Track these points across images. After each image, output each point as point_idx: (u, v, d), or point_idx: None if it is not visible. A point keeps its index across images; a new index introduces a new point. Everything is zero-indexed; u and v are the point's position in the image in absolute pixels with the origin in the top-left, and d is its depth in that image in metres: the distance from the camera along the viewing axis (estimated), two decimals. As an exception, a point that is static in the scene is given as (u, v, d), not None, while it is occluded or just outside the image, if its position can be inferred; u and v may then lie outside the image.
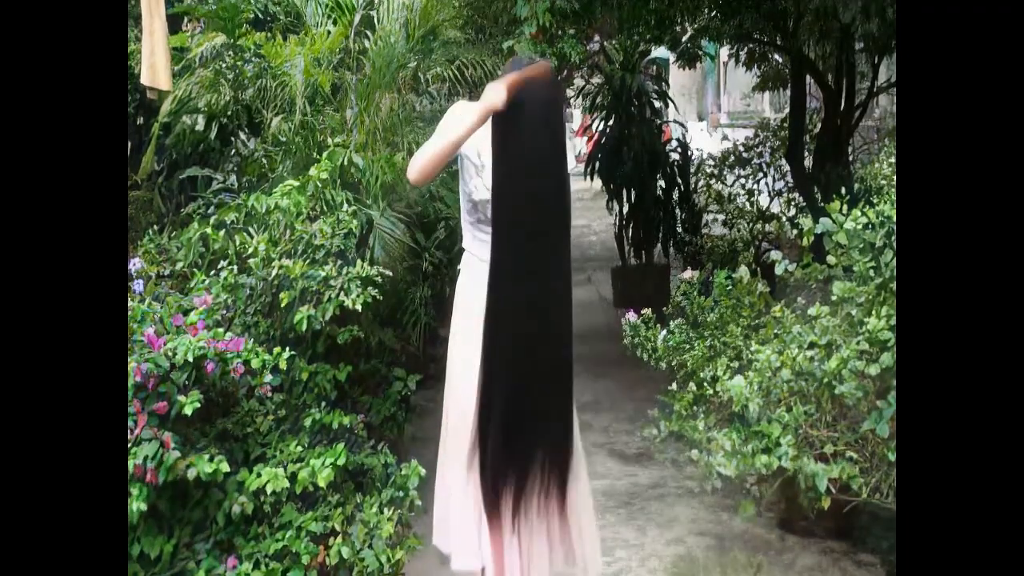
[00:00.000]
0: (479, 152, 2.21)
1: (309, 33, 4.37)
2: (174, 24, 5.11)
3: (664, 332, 3.40)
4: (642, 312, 3.41)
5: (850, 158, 6.37)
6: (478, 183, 2.24)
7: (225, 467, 2.15)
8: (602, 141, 6.70)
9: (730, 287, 3.37)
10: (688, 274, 3.66)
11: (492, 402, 2.14)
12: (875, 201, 2.51)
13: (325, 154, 3.42)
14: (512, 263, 2.12)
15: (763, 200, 7.21)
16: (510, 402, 2.14)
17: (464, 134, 2.05)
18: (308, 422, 2.56)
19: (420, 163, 2.06)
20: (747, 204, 7.24)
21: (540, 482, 2.18)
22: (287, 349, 2.48)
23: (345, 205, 3.26)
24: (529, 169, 2.09)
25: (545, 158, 2.11)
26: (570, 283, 2.25)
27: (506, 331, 2.14)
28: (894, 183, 2.58)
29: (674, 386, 3.18)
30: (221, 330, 2.37)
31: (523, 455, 2.16)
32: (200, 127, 4.58)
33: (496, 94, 2.00)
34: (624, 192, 6.67)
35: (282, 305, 2.69)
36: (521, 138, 2.07)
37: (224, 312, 2.77)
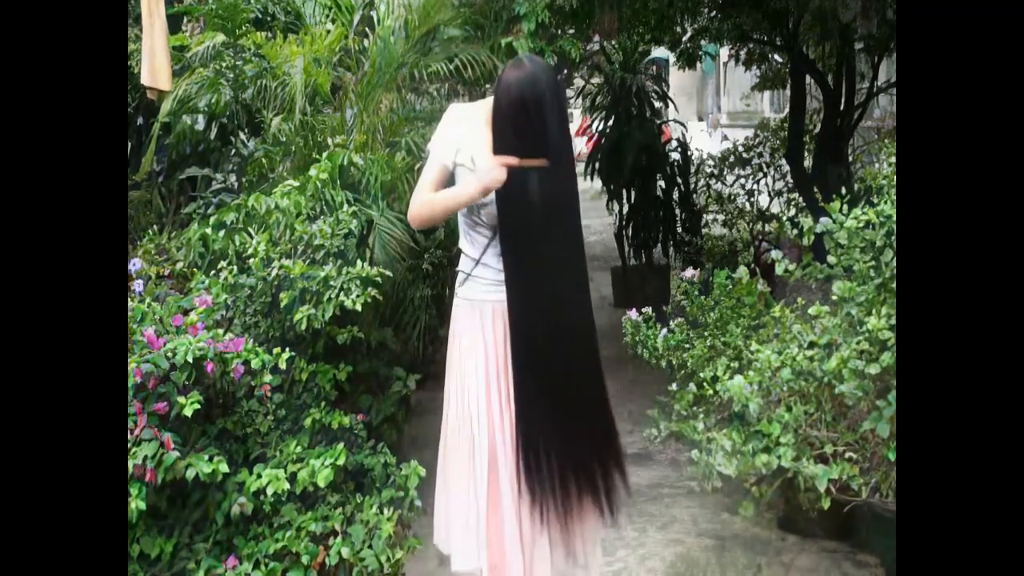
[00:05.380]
0: (472, 158, 2.21)
1: (308, 32, 4.37)
2: (174, 24, 5.11)
3: (664, 331, 3.40)
4: (643, 311, 3.42)
5: (850, 158, 6.37)
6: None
7: (224, 467, 2.15)
8: (602, 141, 6.70)
9: (730, 287, 3.37)
10: (689, 273, 3.65)
11: (530, 429, 2.19)
12: (875, 201, 2.51)
13: (325, 154, 3.41)
14: (525, 288, 2.20)
15: (763, 200, 7.21)
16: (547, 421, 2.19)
17: (461, 207, 2.20)
18: (308, 422, 2.56)
19: (418, 219, 2.21)
20: (747, 204, 7.24)
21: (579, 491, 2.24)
22: (287, 349, 2.48)
23: (345, 205, 3.25)
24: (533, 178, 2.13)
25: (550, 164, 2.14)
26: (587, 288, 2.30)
27: (532, 362, 2.20)
28: (894, 183, 2.58)
29: (674, 386, 3.18)
30: (220, 331, 2.37)
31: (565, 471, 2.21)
32: (200, 127, 4.58)
33: (496, 175, 2.10)
34: (624, 192, 6.68)
35: (282, 305, 2.69)
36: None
37: (224, 312, 2.77)
